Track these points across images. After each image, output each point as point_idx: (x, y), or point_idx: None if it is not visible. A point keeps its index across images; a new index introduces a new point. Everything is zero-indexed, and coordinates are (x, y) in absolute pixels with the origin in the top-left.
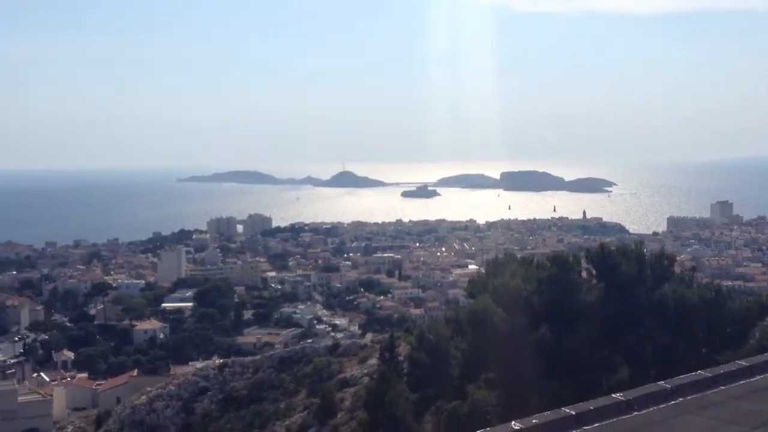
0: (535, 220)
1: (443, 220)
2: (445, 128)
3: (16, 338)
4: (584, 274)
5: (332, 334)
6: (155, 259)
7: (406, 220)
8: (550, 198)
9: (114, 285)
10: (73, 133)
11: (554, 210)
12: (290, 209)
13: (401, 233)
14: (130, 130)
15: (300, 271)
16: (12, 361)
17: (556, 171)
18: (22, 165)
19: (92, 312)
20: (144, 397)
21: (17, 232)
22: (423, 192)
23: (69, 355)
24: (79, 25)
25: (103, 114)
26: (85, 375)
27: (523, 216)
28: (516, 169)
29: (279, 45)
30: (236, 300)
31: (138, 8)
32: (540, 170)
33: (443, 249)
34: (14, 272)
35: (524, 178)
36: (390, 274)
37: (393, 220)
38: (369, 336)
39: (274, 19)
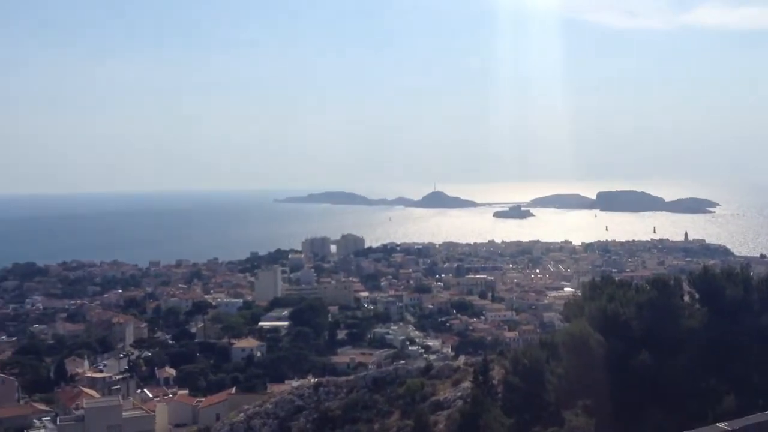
0: (633, 241)
1: (537, 241)
2: (538, 147)
3: (122, 355)
4: (687, 298)
5: (425, 355)
6: (252, 279)
7: (498, 240)
8: (649, 218)
9: (213, 303)
10: (176, 156)
11: (654, 231)
12: (382, 229)
13: (494, 254)
14: (230, 153)
15: (392, 292)
16: (117, 377)
17: (654, 191)
18: (127, 187)
19: (193, 330)
20: (242, 414)
21: (123, 252)
22: (516, 212)
23: (171, 371)
24: (188, 49)
25: (205, 137)
26: (185, 391)
27: (620, 237)
28: (613, 189)
29: (374, 64)
30: (330, 319)
31: (234, 32)
32: (638, 190)
33: (537, 271)
34: (120, 291)
35: (621, 198)
36: (483, 295)
37: (485, 240)
38: (462, 358)
39: (368, 39)
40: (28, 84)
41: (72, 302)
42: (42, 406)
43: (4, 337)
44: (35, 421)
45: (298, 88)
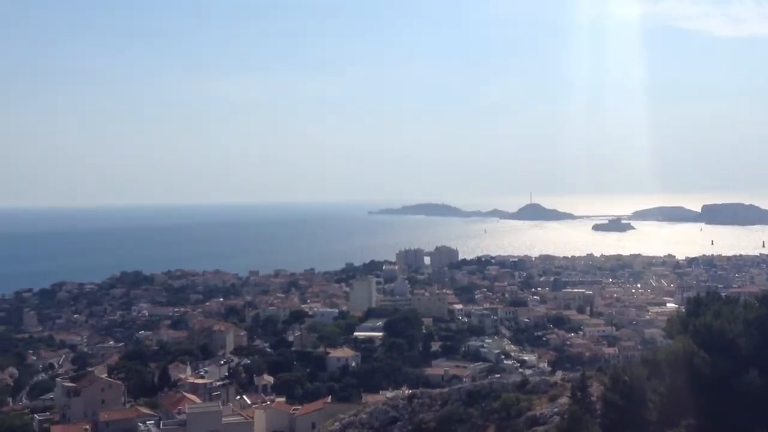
0: (741, 256)
1: (638, 255)
2: (639, 157)
3: (222, 362)
4: None
5: (520, 369)
6: (348, 289)
7: (597, 254)
8: (758, 233)
9: (310, 313)
10: (275, 169)
11: (763, 245)
12: (477, 242)
13: (593, 268)
14: (326, 166)
15: (486, 305)
16: (218, 383)
17: (764, 203)
18: (228, 198)
19: (290, 338)
20: (337, 423)
21: (224, 261)
22: (616, 225)
23: (269, 379)
24: (291, 68)
25: (303, 151)
26: (283, 399)
27: (727, 251)
28: (719, 201)
29: (466, 76)
30: (424, 331)
31: (333, 50)
32: (746, 203)
33: (638, 285)
34: (221, 299)
35: (728, 211)
36: (581, 310)
37: (584, 254)
38: (559, 374)
39: (463, 52)
40: (139, 99)
41: (176, 310)
42: (146, 410)
43: (111, 342)
44: (140, 424)
45: (393, 102)
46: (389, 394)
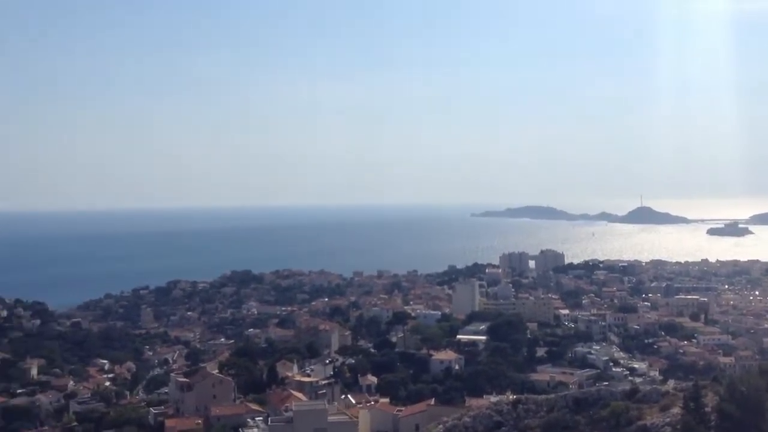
0: None
1: (757, 261)
2: (758, 158)
3: (327, 361)
4: None
5: (630, 378)
6: (450, 291)
7: (712, 259)
8: None
9: (413, 314)
10: (377, 171)
11: None
12: (584, 246)
13: (707, 274)
14: (430, 168)
15: (594, 310)
16: (323, 382)
17: None
18: (333, 200)
19: (393, 339)
20: (441, 426)
21: (330, 262)
22: (733, 229)
23: (372, 379)
24: (388, 70)
25: (406, 153)
26: (386, 400)
27: None
28: None
29: (573, 75)
30: (529, 336)
31: (432, 51)
32: None
33: (757, 293)
34: (326, 299)
35: None
36: (694, 317)
37: (698, 259)
38: (671, 383)
39: (563, 50)
40: (238, 101)
41: (283, 309)
42: (255, 407)
43: (222, 339)
44: (249, 420)
45: (494, 104)
46: (493, 398)
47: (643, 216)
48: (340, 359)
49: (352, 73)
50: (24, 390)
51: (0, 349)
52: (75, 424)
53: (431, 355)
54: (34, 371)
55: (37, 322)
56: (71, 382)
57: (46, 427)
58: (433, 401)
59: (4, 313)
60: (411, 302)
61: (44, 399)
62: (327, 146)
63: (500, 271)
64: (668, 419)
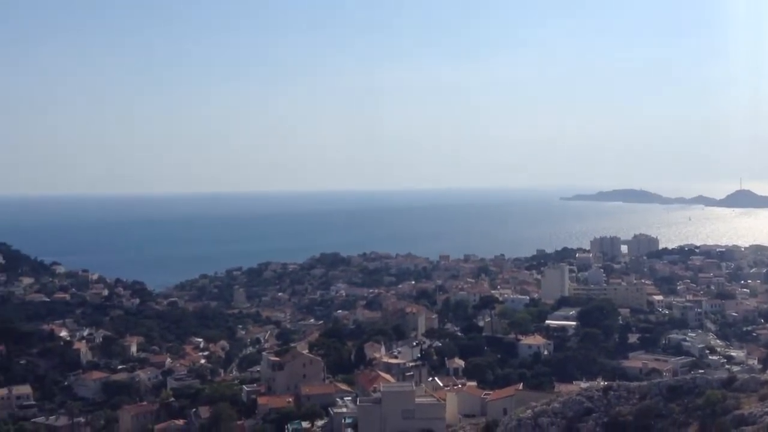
0: None
1: None
2: None
3: (414, 343)
4: None
5: (727, 366)
6: (539, 276)
7: None
8: None
9: (500, 299)
10: (464, 154)
11: None
12: (679, 230)
13: None
14: (517, 151)
15: (689, 297)
16: (411, 364)
17: None
18: (420, 184)
19: (480, 323)
20: (529, 411)
21: (416, 245)
22: None
23: (459, 363)
24: (470, 51)
25: (490, 135)
26: (474, 383)
27: None
28: None
29: (673, 55)
30: (621, 322)
31: (515, 32)
32: None
33: None
34: (413, 282)
35: None
36: None
37: None
38: None
39: (655, 30)
40: (310, 86)
41: (370, 291)
42: (344, 387)
43: (312, 320)
44: (338, 399)
45: (589, 87)
46: (583, 384)
47: (743, 199)
48: (427, 342)
49: (457, 58)
50: (124, 366)
51: (102, 327)
52: (172, 399)
53: (519, 340)
54: (133, 348)
55: (137, 301)
56: (168, 359)
57: (145, 402)
58: (521, 386)
59: (106, 293)
60: (498, 287)
61: (143, 375)
62: (419, 130)
63: (591, 255)
64: (767, 409)
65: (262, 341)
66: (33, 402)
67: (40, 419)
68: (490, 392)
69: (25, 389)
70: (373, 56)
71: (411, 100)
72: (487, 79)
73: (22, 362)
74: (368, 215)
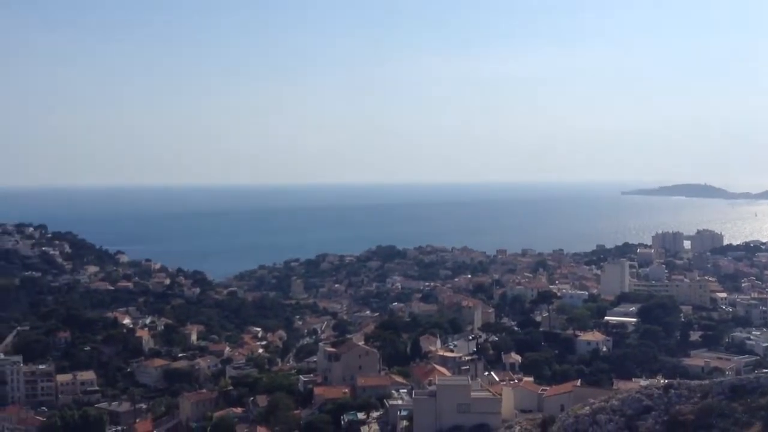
0: None
1: None
2: None
3: (470, 337)
4: None
5: None
6: (598, 272)
7: None
8: None
9: (558, 294)
10: (522, 148)
11: None
12: (745, 226)
13: None
14: (576, 144)
15: (755, 294)
16: (466, 358)
17: None
18: (480, 178)
19: (538, 319)
20: (587, 408)
21: (472, 239)
22: None
23: (516, 357)
24: (531, 41)
25: (550, 129)
26: (530, 378)
27: None
28: None
29: (737, 47)
30: (682, 319)
31: (567, 23)
32: None
33: None
34: (469, 276)
35: None
36: None
37: None
38: None
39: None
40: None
41: (426, 284)
42: (399, 379)
43: (368, 312)
44: (393, 391)
45: (650, 78)
46: (643, 382)
47: None
48: (483, 336)
49: (524, 49)
50: (185, 354)
51: (163, 315)
52: (231, 388)
53: (577, 336)
54: (194, 337)
55: (197, 290)
56: (227, 348)
57: (204, 390)
58: (579, 382)
59: (167, 282)
60: (556, 281)
61: (203, 363)
62: (479, 125)
63: (652, 251)
64: None
65: (319, 332)
66: (97, 388)
67: (104, 404)
68: (547, 388)
69: (90, 375)
70: (448, 47)
71: (472, 92)
72: (553, 71)
73: (86, 349)
74: (425, 208)
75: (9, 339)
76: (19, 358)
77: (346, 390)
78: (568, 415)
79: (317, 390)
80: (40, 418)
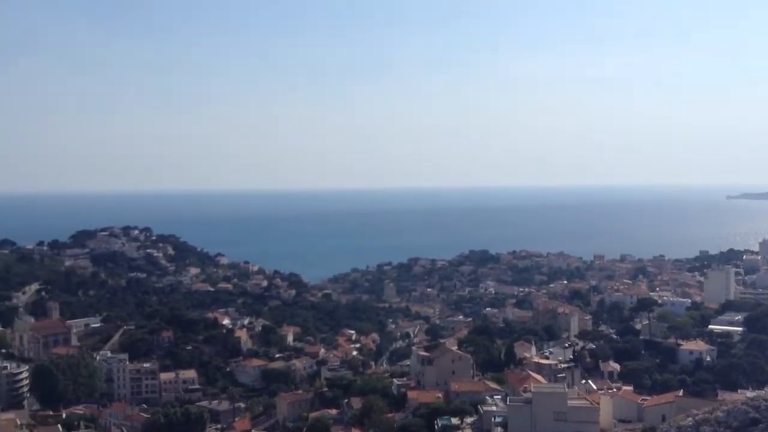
0: None
1: None
2: None
3: (567, 344)
4: None
5: None
6: (702, 279)
7: None
8: None
9: (659, 301)
10: (617, 150)
11: None
12: None
13: None
14: (675, 145)
15: None
16: (563, 365)
17: None
18: (575, 181)
19: (637, 326)
20: (690, 419)
21: (569, 244)
22: None
23: (615, 366)
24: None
25: (636, 130)
26: (630, 388)
27: None
28: None
29: None
30: None
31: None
32: None
33: None
34: (565, 281)
35: None
36: None
37: None
38: None
39: None
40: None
41: (520, 289)
42: (493, 385)
43: (461, 317)
44: (487, 397)
45: (753, 74)
46: (749, 393)
47: None
48: (580, 343)
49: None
50: (281, 355)
51: (261, 316)
52: (326, 389)
53: (679, 345)
54: (290, 338)
55: (293, 292)
56: (322, 350)
57: (300, 390)
58: (681, 392)
59: (265, 283)
60: (657, 288)
61: (299, 364)
62: (568, 123)
63: (759, 258)
64: None
65: (412, 336)
66: (198, 386)
67: (204, 403)
68: (648, 398)
69: (191, 374)
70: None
71: (563, 92)
72: (662, 71)
73: (188, 348)
74: (519, 212)
75: (116, 338)
76: (125, 356)
77: (440, 394)
78: (670, 425)
79: (411, 394)
80: (145, 415)
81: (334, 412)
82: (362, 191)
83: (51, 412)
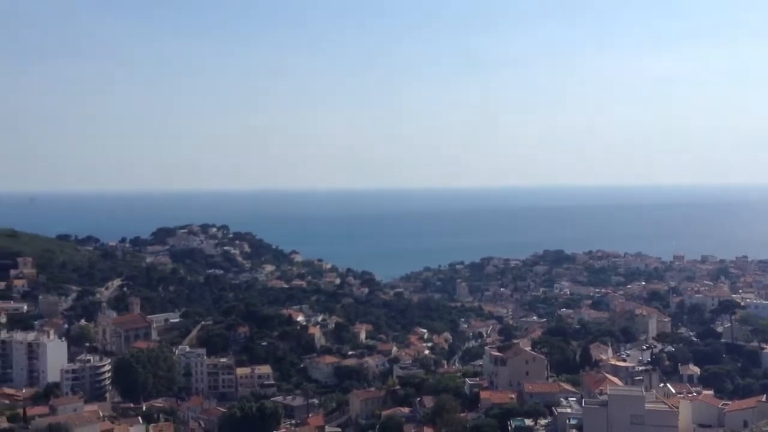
0: None
1: None
2: None
3: (644, 347)
4: None
5: None
6: None
7: None
8: None
9: (742, 303)
10: (707, 149)
11: None
12: None
13: None
14: (753, 141)
15: None
16: (640, 368)
17: None
18: (658, 180)
19: (719, 329)
20: None
21: (647, 245)
22: None
23: (694, 369)
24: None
25: (721, 129)
26: (710, 392)
27: None
28: None
29: None
30: None
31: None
32: None
33: None
34: (643, 282)
35: None
36: None
37: None
38: None
39: None
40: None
41: (596, 290)
42: (568, 386)
43: (535, 317)
44: (562, 399)
45: None
46: None
47: None
48: (659, 346)
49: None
50: (354, 352)
51: (334, 314)
52: (398, 387)
53: (763, 348)
54: (362, 335)
55: (366, 290)
56: (394, 348)
57: (372, 388)
58: (764, 398)
59: (338, 281)
60: (740, 290)
61: (371, 362)
62: (623, 125)
63: None
64: None
65: (484, 335)
66: (272, 381)
67: (279, 398)
68: (729, 402)
69: (266, 369)
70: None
71: (635, 91)
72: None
73: (263, 344)
74: (595, 212)
75: (194, 333)
76: (203, 351)
77: (513, 395)
78: (752, 431)
79: (483, 394)
80: (221, 409)
81: (406, 410)
82: (434, 189)
83: (132, 405)
